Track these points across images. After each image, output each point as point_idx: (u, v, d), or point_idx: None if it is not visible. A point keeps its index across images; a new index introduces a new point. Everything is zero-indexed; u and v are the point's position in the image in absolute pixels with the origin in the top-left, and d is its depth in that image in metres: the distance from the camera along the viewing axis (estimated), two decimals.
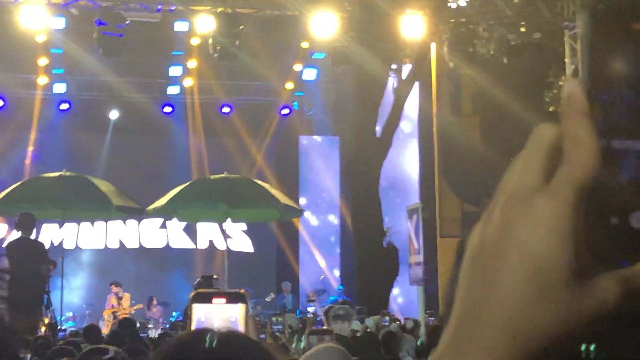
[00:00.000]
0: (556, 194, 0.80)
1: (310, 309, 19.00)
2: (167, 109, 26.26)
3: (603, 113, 0.80)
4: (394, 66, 19.64)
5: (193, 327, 2.39)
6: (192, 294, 2.55)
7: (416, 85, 20.62)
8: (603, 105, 0.80)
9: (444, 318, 0.99)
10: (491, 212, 0.85)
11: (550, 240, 0.80)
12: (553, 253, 0.79)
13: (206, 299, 2.52)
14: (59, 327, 15.06)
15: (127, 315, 19.78)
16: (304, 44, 22.79)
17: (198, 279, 15.64)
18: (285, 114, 26.97)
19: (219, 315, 2.47)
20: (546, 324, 0.80)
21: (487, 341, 0.81)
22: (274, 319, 8.37)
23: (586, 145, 0.80)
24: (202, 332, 1.99)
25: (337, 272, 25.31)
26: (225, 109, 26.54)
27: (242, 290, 2.57)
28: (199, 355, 1.93)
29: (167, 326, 18.55)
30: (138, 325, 15.57)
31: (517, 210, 0.82)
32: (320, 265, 25.47)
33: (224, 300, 2.52)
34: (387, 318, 14.04)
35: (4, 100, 25.09)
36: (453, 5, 19.53)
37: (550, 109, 20.66)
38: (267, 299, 21.72)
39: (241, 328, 2.45)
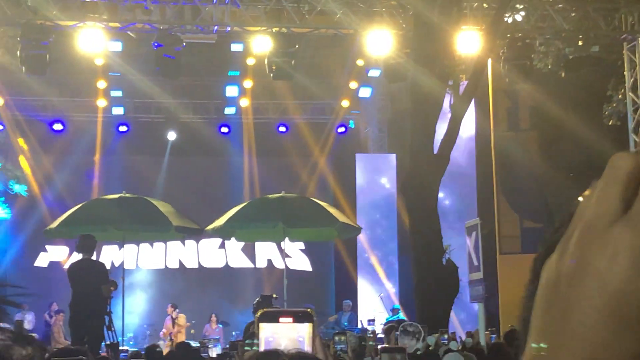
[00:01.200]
0: (636, 224, 0.78)
1: (370, 327, 18.91)
2: (224, 130, 26.44)
3: None
4: (450, 82, 19.55)
5: (261, 347, 2.38)
6: (259, 313, 2.53)
7: (473, 100, 20.51)
8: None
9: (520, 338, 0.97)
10: (567, 242, 0.82)
11: (630, 272, 0.77)
12: (632, 285, 0.76)
13: (273, 318, 2.51)
14: (120, 348, 15.13)
15: (183, 336, 19.91)
16: (359, 62, 22.81)
17: (257, 299, 15.63)
18: (341, 132, 27.00)
19: (287, 334, 2.46)
20: (626, 358, 0.77)
21: None
22: (336, 338, 8.31)
23: None
24: (272, 353, 1.97)
25: (394, 290, 25.17)
26: (281, 129, 26.65)
27: (309, 310, 2.56)
28: None
29: (227, 345, 18.60)
30: (198, 344, 15.63)
31: (595, 241, 0.79)
32: (378, 284, 25.36)
33: (291, 319, 2.50)
34: (445, 336, 13.92)
35: (63, 125, 25.43)
36: (509, 20, 19.42)
37: (610, 123, 20.43)
38: (330, 319, 21.65)
39: (308, 348, 2.43)
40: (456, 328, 20.22)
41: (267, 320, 2.51)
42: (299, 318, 2.49)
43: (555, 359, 0.79)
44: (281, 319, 2.50)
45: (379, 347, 7.45)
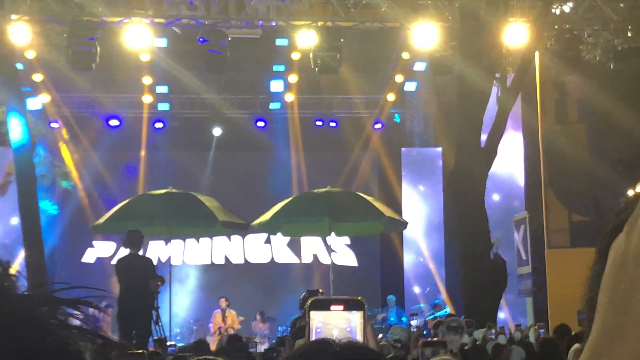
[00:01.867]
0: None
1: (414, 322, 18.83)
2: (269, 125, 26.48)
3: None
4: (497, 75, 19.39)
5: (312, 335, 2.33)
6: (309, 301, 2.48)
7: (520, 93, 20.33)
8: None
9: (582, 320, 0.91)
10: (635, 222, 0.80)
11: None
12: None
13: (324, 306, 2.46)
14: (167, 343, 15.17)
15: (233, 332, 19.93)
16: (405, 56, 22.71)
17: (303, 294, 15.60)
18: (385, 127, 26.91)
19: (337, 322, 2.40)
20: None
21: (630, 357, 0.75)
22: (390, 330, 8.32)
23: None
24: (324, 342, 1.91)
25: (441, 284, 25.06)
26: (330, 124, 26.63)
27: (359, 298, 2.49)
28: None
29: (274, 341, 18.60)
30: (244, 340, 15.63)
31: None
32: (425, 278, 25.26)
33: (341, 307, 2.45)
34: (493, 331, 13.81)
35: (120, 121, 25.64)
36: (557, 12, 19.21)
37: None
38: (379, 317, 21.58)
39: (359, 336, 2.37)
40: (504, 322, 20.07)
41: (318, 308, 2.46)
42: (349, 306, 2.44)
43: (620, 338, 0.76)
44: (332, 307, 2.45)
45: (421, 341, 7.39)
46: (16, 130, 17.58)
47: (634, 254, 0.78)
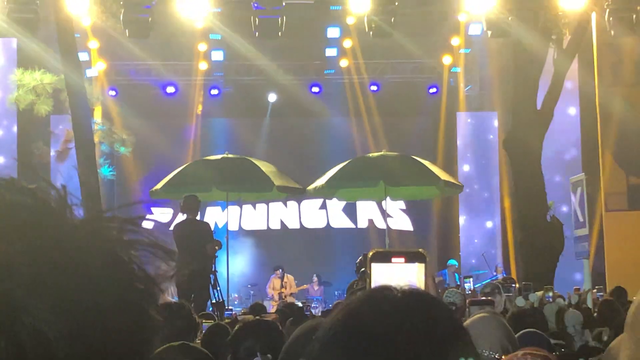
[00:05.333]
0: None
1: (467, 285, 18.80)
2: (323, 90, 26.42)
3: None
4: (553, 37, 19.16)
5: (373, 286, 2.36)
6: (370, 252, 2.51)
7: (576, 55, 20.07)
8: None
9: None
10: None
11: None
12: None
13: (385, 258, 2.49)
14: (225, 307, 15.31)
15: (293, 299, 20.07)
16: (461, 18, 22.51)
17: (360, 257, 15.66)
18: (440, 91, 26.70)
19: (398, 275, 2.43)
20: None
21: None
22: (446, 292, 8.37)
23: None
24: (384, 288, 1.95)
25: (499, 248, 24.96)
26: (381, 88, 26.51)
27: (420, 250, 2.52)
28: (383, 311, 1.89)
29: (330, 306, 18.70)
30: (300, 305, 15.74)
31: None
32: (481, 242, 25.18)
33: (402, 259, 2.48)
34: (550, 294, 13.75)
35: (176, 88, 25.80)
36: None
37: None
38: (436, 280, 21.60)
39: (421, 287, 2.40)
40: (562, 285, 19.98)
41: (379, 260, 2.49)
42: (411, 258, 2.47)
43: None
44: (393, 259, 2.48)
45: (468, 300, 7.41)
46: (74, 98, 17.77)
47: None
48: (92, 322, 1.00)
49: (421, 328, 1.67)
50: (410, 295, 1.82)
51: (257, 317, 6.27)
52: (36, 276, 0.99)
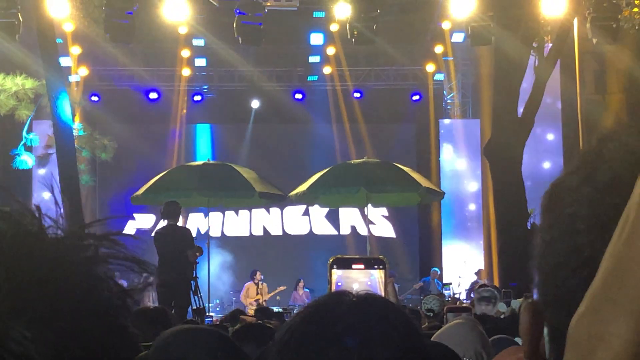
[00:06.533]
0: None
1: (447, 292, 18.82)
2: (306, 97, 26.45)
3: None
4: (534, 44, 19.23)
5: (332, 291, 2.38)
6: (331, 259, 2.52)
7: (558, 63, 20.14)
8: None
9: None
10: None
11: None
12: None
13: (346, 264, 2.50)
14: (206, 314, 15.27)
15: (265, 305, 19.98)
16: (442, 25, 22.58)
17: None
18: (423, 98, 26.74)
19: (358, 280, 2.45)
20: None
21: (632, 304, 0.75)
22: (425, 299, 8.39)
23: None
24: (341, 293, 1.96)
25: (481, 256, 25.00)
26: (364, 95, 26.55)
27: (381, 257, 2.54)
28: (338, 315, 1.90)
29: None
30: (281, 310, 15.72)
31: None
32: (463, 249, 25.22)
33: (362, 266, 2.49)
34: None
35: (159, 94, 25.77)
36: None
37: None
38: (415, 287, 21.64)
39: (380, 292, 2.41)
40: None
41: (339, 266, 2.50)
42: (371, 264, 2.48)
43: (622, 285, 0.76)
44: (354, 266, 2.49)
45: (445, 307, 7.43)
46: (56, 103, 17.72)
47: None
48: (74, 341, 1.00)
49: (375, 331, 1.68)
50: (365, 299, 1.83)
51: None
52: (17, 300, 0.98)
